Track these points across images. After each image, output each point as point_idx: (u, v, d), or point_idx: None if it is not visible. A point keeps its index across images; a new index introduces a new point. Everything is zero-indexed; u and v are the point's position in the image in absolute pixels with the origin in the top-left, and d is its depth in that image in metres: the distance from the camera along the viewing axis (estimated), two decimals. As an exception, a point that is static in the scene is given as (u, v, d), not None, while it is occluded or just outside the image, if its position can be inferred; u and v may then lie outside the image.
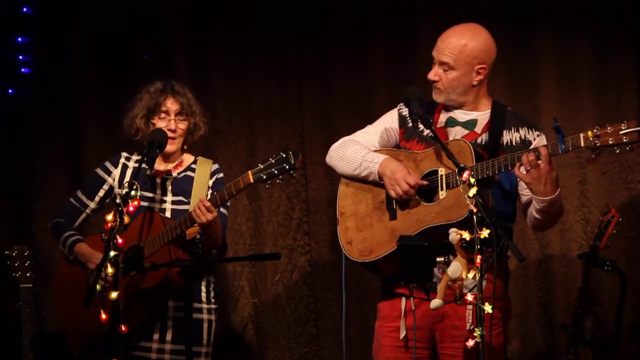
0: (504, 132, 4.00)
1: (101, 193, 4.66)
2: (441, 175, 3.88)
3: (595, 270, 4.78)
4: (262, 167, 4.19)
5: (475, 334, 3.47)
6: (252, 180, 4.20)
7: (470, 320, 3.86)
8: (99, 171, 4.68)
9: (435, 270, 3.77)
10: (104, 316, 4.01)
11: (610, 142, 3.62)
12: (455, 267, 3.54)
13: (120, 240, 4.00)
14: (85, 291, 4.20)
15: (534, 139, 3.98)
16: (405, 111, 4.13)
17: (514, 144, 3.97)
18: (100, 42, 5.76)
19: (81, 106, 5.78)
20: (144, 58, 5.74)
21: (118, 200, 4.40)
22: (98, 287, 4.04)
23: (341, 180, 4.19)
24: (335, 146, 4.21)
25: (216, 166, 4.66)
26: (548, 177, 3.74)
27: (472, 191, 3.52)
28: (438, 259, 3.62)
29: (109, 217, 4.02)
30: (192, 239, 4.46)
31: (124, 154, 4.69)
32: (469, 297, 3.56)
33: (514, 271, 4.96)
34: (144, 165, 4.38)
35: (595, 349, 4.80)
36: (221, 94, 5.69)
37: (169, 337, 4.45)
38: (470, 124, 4.04)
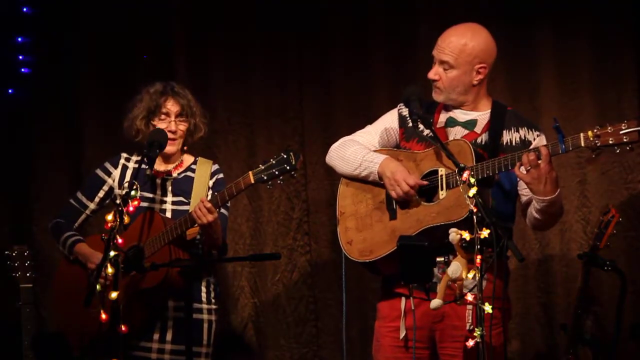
0: (504, 132, 4.00)
1: (101, 194, 4.66)
2: (441, 175, 3.88)
3: (595, 270, 4.78)
4: (262, 167, 4.19)
5: (475, 334, 3.47)
6: (252, 181, 4.20)
7: (470, 320, 3.86)
8: (99, 172, 4.68)
9: (435, 270, 3.77)
10: (104, 316, 4.01)
11: (611, 142, 3.62)
12: (455, 267, 3.54)
13: (120, 240, 4.00)
14: (85, 291, 4.20)
15: (534, 139, 3.98)
16: (405, 111, 4.13)
17: (513, 144, 3.98)
18: (100, 42, 5.75)
19: (81, 106, 5.78)
20: (144, 58, 5.74)
21: (118, 201, 4.40)
22: (98, 287, 4.04)
23: (341, 180, 4.19)
24: (335, 146, 4.21)
25: (216, 166, 4.66)
26: (548, 177, 3.74)
27: (472, 191, 3.52)
28: (438, 259, 3.63)
29: (109, 217, 4.02)
30: (193, 239, 4.46)
31: (124, 155, 4.69)
32: (469, 297, 3.56)
33: (514, 271, 4.96)
34: (143, 166, 4.38)
35: (595, 349, 4.80)
36: (221, 94, 5.69)
37: (169, 337, 4.45)
38: (470, 124, 4.04)
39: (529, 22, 5.32)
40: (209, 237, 4.43)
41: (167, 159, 4.62)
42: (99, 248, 4.33)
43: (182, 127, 4.56)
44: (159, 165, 4.60)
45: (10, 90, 5.79)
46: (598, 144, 3.63)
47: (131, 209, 4.11)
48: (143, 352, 4.44)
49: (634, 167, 5.18)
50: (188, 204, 4.52)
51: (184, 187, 4.57)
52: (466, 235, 3.49)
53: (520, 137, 3.99)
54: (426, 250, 3.61)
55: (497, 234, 3.47)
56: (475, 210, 3.48)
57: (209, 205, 4.28)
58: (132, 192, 4.09)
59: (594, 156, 3.66)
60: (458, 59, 3.94)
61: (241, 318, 5.61)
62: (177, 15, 5.73)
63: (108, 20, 5.70)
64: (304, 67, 5.63)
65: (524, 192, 3.96)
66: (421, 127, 4.03)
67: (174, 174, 4.60)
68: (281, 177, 4.18)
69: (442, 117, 4.08)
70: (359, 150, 4.10)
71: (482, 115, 4.05)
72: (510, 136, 4.00)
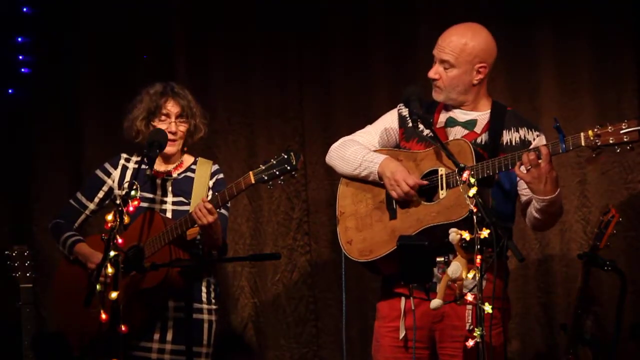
0: (504, 132, 4.00)
1: (101, 194, 4.66)
2: (441, 175, 3.88)
3: (595, 270, 4.78)
4: (263, 167, 4.19)
5: (475, 334, 3.47)
6: (253, 181, 4.20)
7: (469, 320, 3.86)
8: (99, 172, 4.68)
9: (435, 270, 3.77)
10: (104, 316, 4.01)
11: (611, 142, 3.62)
12: (455, 267, 3.54)
13: (120, 240, 4.00)
14: (85, 291, 4.20)
15: (534, 139, 3.98)
16: (405, 111, 4.13)
17: (513, 144, 3.98)
18: (100, 42, 5.75)
19: (81, 106, 5.78)
20: (144, 58, 5.74)
21: (118, 201, 4.40)
22: (98, 287, 4.04)
23: (341, 180, 4.19)
24: (335, 146, 4.21)
25: (216, 167, 4.66)
26: (548, 177, 3.74)
27: (472, 191, 3.52)
28: (438, 259, 3.63)
29: (109, 217, 4.02)
30: (193, 240, 4.46)
31: (124, 155, 4.69)
32: (469, 297, 3.55)
33: (514, 271, 4.96)
34: (143, 166, 4.38)
35: (595, 349, 4.80)
36: (221, 94, 5.69)
37: (169, 337, 4.45)
38: (470, 124, 4.04)
39: (529, 22, 5.32)
40: (209, 238, 4.43)
41: (167, 159, 4.62)
42: (99, 248, 4.33)
43: (183, 128, 4.56)
44: (159, 166, 4.60)
45: (10, 90, 5.79)
46: (598, 144, 3.63)
47: (131, 209, 4.11)
48: (143, 352, 4.44)
49: (634, 167, 5.18)
50: (188, 204, 4.52)
51: (184, 187, 4.57)
52: (466, 235, 3.49)
53: (520, 137, 3.99)
54: (426, 250, 3.61)
55: (497, 234, 3.47)
56: (475, 210, 3.48)
57: (209, 206, 4.28)
58: (132, 192, 4.09)
59: (594, 155, 3.66)
60: (458, 58, 3.94)
61: (241, 318, 5.61)
62: (177, 15, 5.73)
63: (108, 20, 5.70)
64: (304, 67, 5.63)
65: (524, 192, 3.96)
66: (421, 127, 4.03)
67: (174, 175, 4.60)
68: (282, 177, 4.17)
69: (442, 117, 4.08)
70: (359, 150, 4.10)
71: (482, 115, 4.05)
72: (510, 136, 4.00)
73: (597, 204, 5.18)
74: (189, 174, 4.60)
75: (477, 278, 3.47)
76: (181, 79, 5.44)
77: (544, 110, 5.24)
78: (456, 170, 3.70)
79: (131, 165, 4.65)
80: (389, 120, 4.19)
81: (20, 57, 5.78)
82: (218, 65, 5.70)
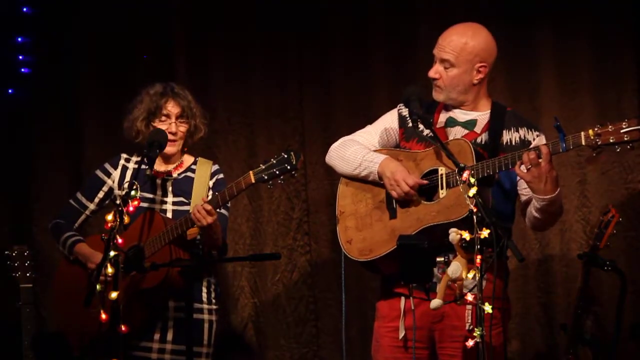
0: (504, 132, 4.00)
1: (101, 194, 4.66)
2: (441, 175, 3.88)
3: (595, 270, 4.78)
4: (263, 167, 4.19)
5: (475, 334, 3.47)
6: (253, 181, 4.20)
7: (469, 320, 3.86)
8: (99, 173, 4.68)
9: (435, 270, 3.77)
10: (104, 316, 4.01)
11: (612, 141, 3.62)
12: (455, 267, 3.54)
13: (120, 240, 4.00)
14: (85, 291, 4.19)
15: (534, 139, 3.98)
16: (405, 111, 4.13)
17: (513, 143, 3.98)
18: (100, 42, 5.75)
19: (81, 106, 5.78)
20: (144, 58, 5.74)
21: (118, 201, 4.40)
22: (98, 287, 4.04)
23: (340, 179, 4.19)
24: (335, 146, 4.21)
25: (216, 167, 4.66)
26: (548, 176, 3.74)
27: (472, 191, 3.52)
28: (438, 259, 3.63)
29: (109, 217, 4.02)
30: (193, 239, 4.46)
31: (124, 155, 4.69)
32: (469, 297, 3.55)
33: (514, 271, 4.96)
34: (143, 166, 4.38)
35: (595, 349, 4.80)
36: (221, 94, 5.69)
37: (169, 337, 4.45)
38: (470, 124, 4.04)
39: (529, 22, 5.32)
40: (209, 238, 4.43)
41: (167, 159, 4.62)
42: (99, 248, 4.33)
43: (183, 128, 4.56)
44: (159, 166, 4.60)
45: (10, 90, 5.79)
46: (599, 143, 3.63)
47: (131, 209, 4.10)
48: (144, 352, 4.44)
49: (634, 167, 5.18)
50: (189, 204, 4.52)
51: (184, 187, 4.57)
52: (466, 235, 3.49)
53: (520, 137, 3.99)
54: (426, 250, 3.61)
55: (497, 234, 3.47)
56: (475, 210, 3.48)
57: (208, 207, 4.28)
58: (132, 192, 4.09)
59: (594, 155, 3.66)
60: (459, 57, 3.94)
61: (241, 318, 5.61)
62: (177, 15, 5.73)
63: (108, 20, 5.70)
64: (304, 67, 5.63)
65: (524, 191, 3.96)
66: (421, 127, 4.03)
67: (174, 175, 4.60)
68: (282, 177, 4.17)
69: (442, 117, 4.08)
70: (358, 150, 4.10)
71: (481, 116, 4.05)
72: (510, 136, 4.00)
73: (597, 204, 5.18)
74: (189, 174, 4.60)
75: (477, 278, 3.46)
76: (181, 79, 5.45)
77: (544, 110, 5.25)
78: (456, 170, 3.70)
79: (131, 166, 4.64)
80: (389, 121, 4.19)
81: (20, 57, 5.78)
82: (218, 65, 5.70)
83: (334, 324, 5.48)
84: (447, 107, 4.09)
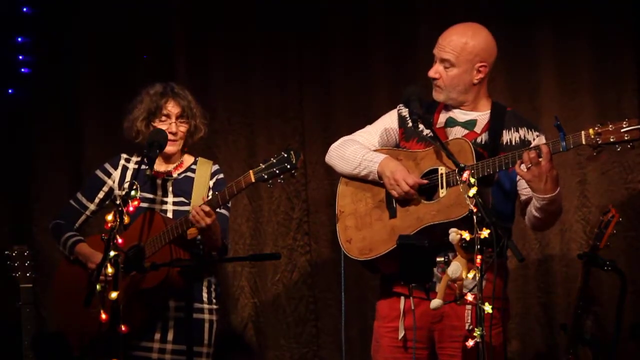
0: (504, 132, 4.00)
1: (101, 195, 4.66)
2: (441, 174, 3.88)
3: (595, 270, 4.79)
4: (263, 166, 4.19)
5: (475, 334, 3.47)
6: (253, 180, 4.20)
7: (469, 321, 3.86)
8: (99, 173, 4.68)
9: (435, 270, 3.77)
10: (104, 316, 4.01)
11: (612, 140, 3.62)
12: (455, 267, 3.54)
13: (120, 240, 3.99)
14: (85, 291, 4.19)
15: (534, 139, 3.98)
16: (404, 112, 4.13)
17: (513, 143, 3.98)
18: (100, 42, 5.75)
19: (81, 106, 5.78)
20: (144, 58, 5.74)
21: (118, 202, 4.40)
22: (98, 287, 4.04)
23: (340, 179, 4.19)
24: (335, 145, 4.21)
25: (216, 167, 4.66)
26: (549, 175, 3.74)
27: (472, 191, 3.52)
28: (438, 259, 3.62)
29: (109, 217, 4.01)
30: (193, 239, 4.46)
31: (124, 156, 4.69)
32: (469, 297, 3.55)
33: (514, 271, 4.96)
34: (143, 166, 4.38)
35: (595, 349, 4.81)
36: (221, 94, 5.69)
37: (170, 337, 4.45)
38: (469, 124, 4.04)
39: (529, 22, 5.32)
40: (208, 239, 4.43)
41: (168, 159, 4.62)
42: (99, 248, 4.32)
43: (183, 128, 4.56)
44: (159, 166, 4.60)
45: (10, 90, 5.79)
46: (599, 142, 3.63)
47: (131, 209, 4.10)
48: (144, 352, 4.44)
49: (634, 167, 5.18)
50: (189, 204, 4.52)
51: (184, 187, 4.57)
52: (466, 235, 3.49)
53: (519, 137, 3.99)
54: (426, 250, 3.61)
55: (497, 234, 3.47)
56: (475, 210, 3.48)
57: (207, 209, 4.27)
58: (132, 192, 4.09)
59: (595, 154, 3.66)
60: (459, 57, 3.94)
61: (241, 318, 5.61)
62: (177, 15, 5.73)
63: (108, 20, 5.70)
64: (304, 67, 5.63)
65: (524, 191, 3.96)
66: (421, 127, 4.03)
67: (174, 175, 4.60)
68: (282, 176, 4.17)
69: (442, 117, 4.08)
70: (358, 150, 4.10)
71: (481, 116, 4.05)
72: (510, 136, 4.00)
73: (597, 204, 5.18)
74: (189, 174, 4.60)
75: (477, 278, 3.46)
76: (181, 79, 5.45)
77: (544, 110, 5.25)
78: (456, 170, 3.70)
79: (131, 166, 4.64)
80: (389, 121, 4.19)
81: (20, 57, 5.78)
82: (218, 65, 5.70)
83: (334, 324, 5.48)
84: (447, 107, 4.09)
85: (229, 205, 4.56)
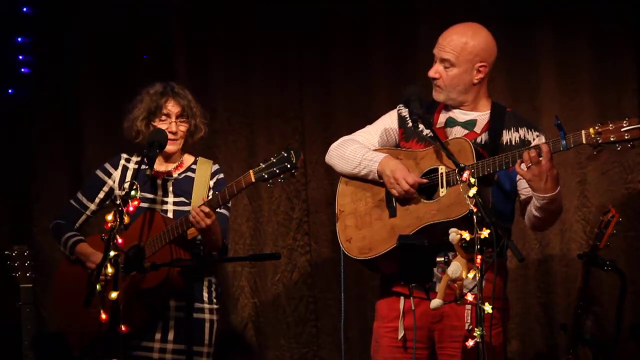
0: (504, 132, 4.00)
1: (101, 195, 4.66)
2: (441, 173, 3.88)
3: (595, 270, 4.79)
4: (263, 166, 4.19)
5: (475, 334, 3.47)
6: (253, 180, 4.20)
7: (468, 320, 3.86)
8: (99, 173, 4.68)
9: (435, 270, 3.77)
10: (104, 316, 4.00)
11: (612, 139, 3.62)
12: (455, 267, 3.54)
13: (120, 240, 3.99)
14: (85, 291, 4.19)
15: (533, 140, 3.98)
16: (404, 112, 4.13)
17: (513, 143, 3.98)
18: (100, 42, 5.76)
19: (81, 106, 5.78)
20: (144, 58, 5.74)
21: (118, 201, 4.39)
22: (98, 287, 4.04)
23: (340, 179, 4.18)
24: (334, 145, 4.21)
25: (216, 167, 4.66)
26: (549, 174, 3.74)
27: (472, 191, 3.52)
28: (438, 259, 3.62)
29: (109, 217, 4.01)
30: (194, 239, 4.46)
31: (124, 155, 4.69)
32: (469, 297, 3.55)
33: (514, 271, 4.96)
34: (143, 166, 4.38)
35: (595, 349, 4.81)
36: (221, 94, 5.69)
37: (171, 336, 4.45)
38: (469, 124, 4.04)
39: (529, 22, 5.32)
40: (209, 240, 4.43)
41: (168, 158, 4.62)
42: (99, 248, 4.32)
43: (183, 127, 4.56)
44: (160, 166, 4.60)
45: (10, 90, 5.79)
46: (599, 141, 3.63)
47: (131, 209, 4.10)
48: (145, 352, 4.44)
49: (634, 167, 5.18)
50: (189, 204, 4.52)
51: (184, 187, 4.57)
52: (466, 235, 3.49)
53: (519, 137, 3.99)
54: (426, 250, 3.61)
55: (497, 234, 3.47)
56: (475, 210, 3.48)
57: (206, 209, 4.27)
58: (132, 192, 4.09)
59: (595, 153, 3.66)
60: (459, 57, 3.94)
61: (241, 318, 5.61)
62: (177, 15, 5.73)
63: (108, 20, 5.70)
64: (304, 67, 5.63)
65: (524, 191, 3.96)
66: (421, 127, 4.03)
67: (175, 175, 4.60)
68: (282, 176, 4.17)
69: (442, 118, 4.09)
70: (358, 149, 4.10)
71: (481, 116, 4.05)
72: (509, 136, 4.00)
73: (597, 204, 5.18)
74: (189, 174, 4.60)
75: (477, 278, 3.46)
76: (181, 79, 5.44)
77: (544, 110, 5.25)
78: (456, 170, 3.70)
79: (131, 166, 4.64)
80: (389, 121, 4.19)
81: (20, 57, 5.78)
82: (218, 65, 5.70)
83: (333, 324, 5.48)
84: (447, 107, 4.09)
85: (229, 205, 4.56)
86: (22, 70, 5.79)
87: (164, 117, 4.54)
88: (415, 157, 3.99)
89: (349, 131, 4.29)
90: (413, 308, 3.90)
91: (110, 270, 3.92)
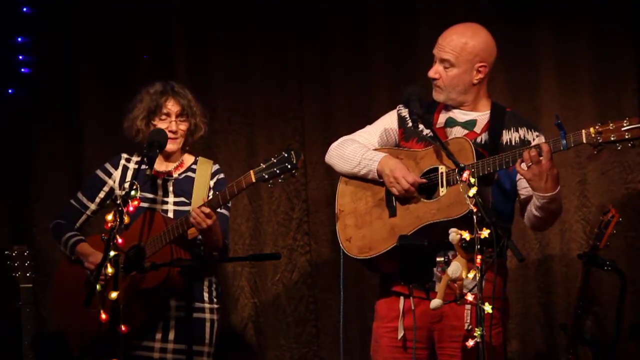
0: (504, 132, 4.00)
1: (102, 195, 4.66)
2: (441, 173, 3.88)
3: (595, 270, 4.79)
4: (264, 166, 4.19)
5: (475, 334, 3.47)
6: (254, 180, 4.20)
7: (468, 321, 3.86)
8: (99, 173, 4.68)
9: (435, 270, 3.77)
10: (104, 316, 4.01)
11: (612, 139, 3.62)
12: (455, 267, 3.54)
13: (120, 240, 3.99)
14: (85, 291, 4.19)
15: (533, 140, 3.98)
16: (404, 112, 4.13)
17: (513, 143, 3.98)
18: (100, 42, 5.76)
19: (81, 106, 5.78)
20: (144, 58, 5.74)
21: (118, 201, 4.39)
22: (98, 287, 4.04)
23: (340, 178, 4.18)
24: (334, 145, 4.21)
25: (217, 167, 4.66)
26: (549, 174, 3.74)
27: (472, 191, 3.52)
28: (438, 259, 3.62)
29: (109, 217, 4.01)
30: (194, 239, 4.46)
31: (124, 155, 4.69)
32: (469, 297, 3.55)
33: (514, 271, 4.96)
34: (144, 166, 4.38)
35: (595, 349, 4.81)
36: (221, 94, 5.69)
37: (171, 336, 4.45)
38: (469, 124, 4.04)
39: (529, 22, 5.32)
40: (209, 240, 4.43)
41: (168, 158, 4.62)
42: (100, 248, 4.32)
43: (183, 127, 4.56)
44: (160, 166, 4.60)
45: (10, 90, 5.79)
46: (600, 141, 3.63)
47: (131, 209, 4.10)
48: (146, 352, 4.44)
49: (634, 167, 5.18)
50: (190, 204, 4.52)
51: (185, 187, 4.57)
52: (466, 235, 3.49)
53: (519, 137, 3.99)
54: (426, 250, 3.61)
55: (497, 234, 3.46)
56: (475, 210, 3.48)
57: (207, 210, 4.27)
58: (132, 192, 4.09)
59: (595, 152, 3.66)
60: (459, 57, 3.94)
61: (241, 318, 5.61)
62: (177, 15, 5.73)
63: (108, 20, 5.70)
64: (304, 67, 5.63)
65: (524, 190, 3.96)
66: (421, 127, 4.03)
67: (175, 175, 4.60)
68: (282, 176, 4.17)
69: (442, 118, 4.09)
70: (358, 149, 4.10)
71: (481, 116, 4.05)
72: (509, 136, 4.00)
73: (597, 204, 5.18)
74: (189, 173, 4.60)
75: (477, 278, 3.46)
76: (181, 79, 5.44)
77: (544, 110, 5.25)
78: (456, 169, 3.70)
79: (132, 166, 4.64)
80: (389, 121, 4.20)
81: (20, 57, 5.78)
82: (218, 65, 5.70)
83: (333, 324, 5.48)
84: (447, 108, 4.09)
85: (229, 205, 4.56)
86: (22, 70, 5.79)
87: (164, 116, 4.54)
88: (415, 157, 3.99)
89: (349, 131, 4.29)
90: (413, 308, 3.90)
91: (110, 270, 3.92)
